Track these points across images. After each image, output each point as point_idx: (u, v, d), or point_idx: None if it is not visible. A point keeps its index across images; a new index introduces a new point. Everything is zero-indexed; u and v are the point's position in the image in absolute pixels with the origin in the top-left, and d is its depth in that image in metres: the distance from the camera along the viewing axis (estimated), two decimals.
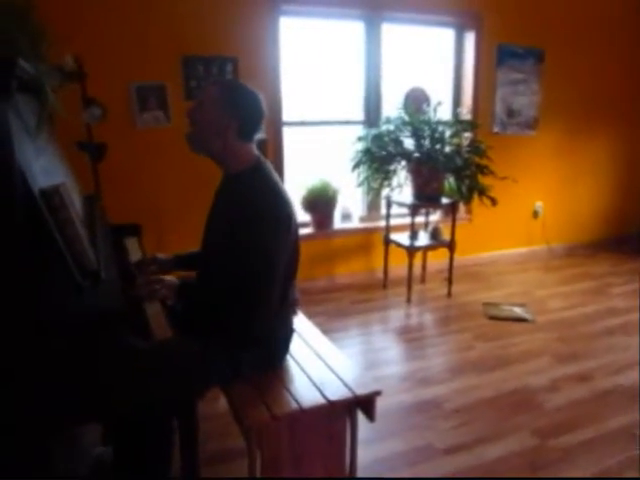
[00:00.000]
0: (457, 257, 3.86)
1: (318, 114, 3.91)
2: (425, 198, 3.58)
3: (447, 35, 4.18)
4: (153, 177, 3.30)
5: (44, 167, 1.40)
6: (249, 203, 1.54)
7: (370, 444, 2.09)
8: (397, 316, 3.55)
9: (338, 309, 3.58)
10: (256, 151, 1.66)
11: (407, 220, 3.68)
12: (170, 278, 1.71)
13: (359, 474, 1.76)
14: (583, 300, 3.73)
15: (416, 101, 3.87)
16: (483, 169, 3.49)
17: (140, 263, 1.94)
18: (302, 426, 1.57)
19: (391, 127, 3.62)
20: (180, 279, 1.73)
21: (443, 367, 2.80)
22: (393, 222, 3.88)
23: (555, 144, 4.64)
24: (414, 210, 3.59)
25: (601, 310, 3.55)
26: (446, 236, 3.78)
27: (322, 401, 1.55)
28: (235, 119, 1.55)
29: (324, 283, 3.97)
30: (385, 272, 3.96)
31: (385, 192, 3.81)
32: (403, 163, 3.60)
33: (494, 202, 3.47)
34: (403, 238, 3.73)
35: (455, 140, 3.59)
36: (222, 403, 2.26)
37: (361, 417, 1.66)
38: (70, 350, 1.11)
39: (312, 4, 3.58)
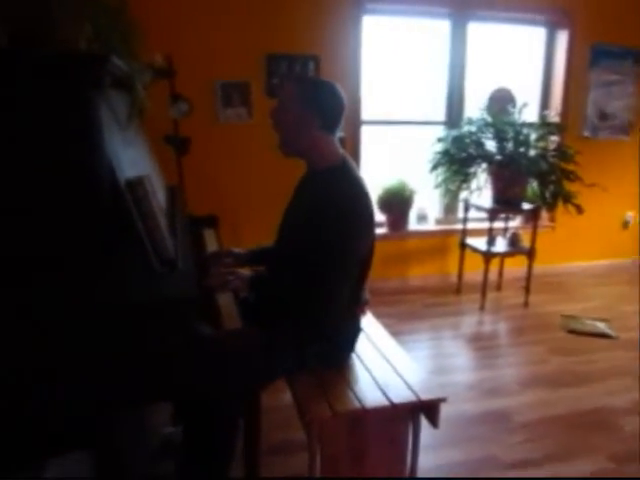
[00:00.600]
0: (536, 266, 3.70)
1: (399, 113, 3.87)
2: (505, 202, 3.47)
3: (537, 34, 4.01)
4: (232, 171, 3.41)
5: (132, 158, 1.49)
6: (336, 201, 1.53)
7: (430, 450, 2.05)
8: (469, 322, 3.46)
9: (409, 311, 3.54)
10: (341, 149, 1.66)
11: (485, 225, 3.59)
12: (243, 270, 1.75)
13: None
14: None
15: (501, 102, 3.74)
16: (569, 175, 3.34)
17: (216, 255, 1.99)
18: (363, 426, 1.56)
19: (473, 128, 3.53)
20: (253, 272, 1.78)
21: (513, 379, 2.69)
22: (470, 226, 3.79)
23: None
24: (493, 215, 3.48)
25: None
26: (525, 243, 3.65)
27: (385, 403, 1.54)
28: (316, 113, 1.55)
29: (396, 284, 3.94)
30: (459, 277, 3.88)
31: (463, 195, 3.73)
32: (483, 166, 3.50)
33: (580, 210, 3.32)
34: (480, 243, 3.64)
35: (541, 144, 3.46)
36: (288, 396, 2.29)
37: (424, 422, 1.63)
38: (140, 332, 1.17)
39: (397, 2, 3.56)
